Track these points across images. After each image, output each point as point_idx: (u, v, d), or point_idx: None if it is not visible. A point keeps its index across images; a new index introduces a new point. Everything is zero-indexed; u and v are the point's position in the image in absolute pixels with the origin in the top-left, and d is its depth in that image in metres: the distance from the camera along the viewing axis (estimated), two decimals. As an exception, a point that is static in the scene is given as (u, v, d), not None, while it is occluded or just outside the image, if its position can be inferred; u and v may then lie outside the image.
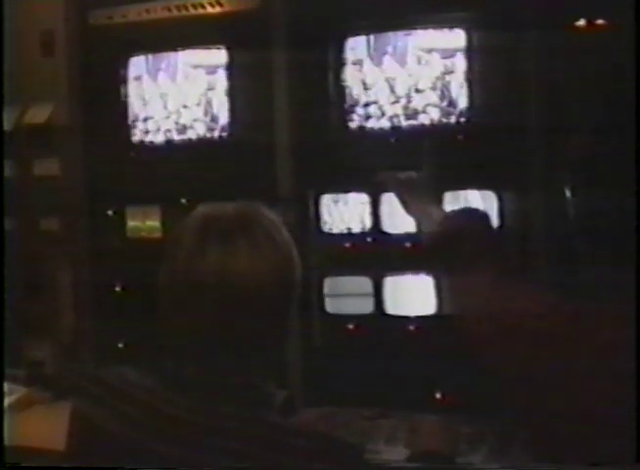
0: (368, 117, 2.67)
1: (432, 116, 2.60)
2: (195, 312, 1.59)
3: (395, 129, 2.64)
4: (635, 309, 1.44)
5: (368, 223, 2.69)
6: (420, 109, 2.60)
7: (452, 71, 2.55)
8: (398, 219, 2.61)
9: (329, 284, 2.73)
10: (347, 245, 2.70)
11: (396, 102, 2.63)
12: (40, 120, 3.00)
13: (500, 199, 2.50)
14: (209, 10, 2.82)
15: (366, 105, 2.68)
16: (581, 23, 2.36)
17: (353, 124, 2.69)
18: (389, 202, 2.60)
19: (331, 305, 2.73)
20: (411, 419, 2.52)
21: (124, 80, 2.96)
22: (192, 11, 2.84)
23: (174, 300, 1.62)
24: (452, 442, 2.32)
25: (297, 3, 2.70)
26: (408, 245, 2.59)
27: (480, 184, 2.53)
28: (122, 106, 2.98)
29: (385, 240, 2.65)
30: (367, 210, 2.68)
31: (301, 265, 1.67)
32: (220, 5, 2.81)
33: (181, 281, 1.59)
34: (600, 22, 2.35)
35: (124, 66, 2.96)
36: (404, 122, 2.63)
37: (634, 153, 1.48)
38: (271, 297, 1.59)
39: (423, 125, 2.61)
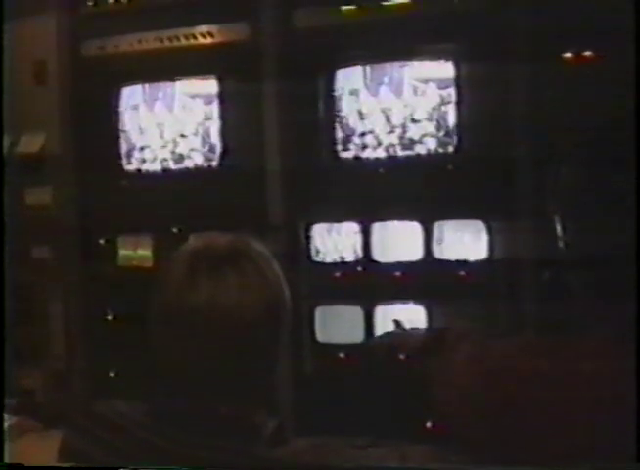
0: (363, 146, 2.69)
1: (428, 146, 2.61)
2: (185, 344, 1.59)
3: (390, 159, 2.66)
4: (635, 323, 1.44)
5: (360, 253, 2.70)
6: (416, 139, 2.62)
7: (449, 102, 2.57)
8: (389, 249, 2.63)
9: (319, 313, 2.73)
10: (338, 274, 2.71)
11: (392, 132, 2.65)
12: (33, 149, 3.02)
13: (490, 229, 2.52)
14: (201, 41, 2.84)
15: (362, 134, 2.69)
16: (570, 54, 2.38)
17: (347, 154, 2.71)
18: (380, 231, 2.62)
19: (322, 335, 2.74)
20: (402, 448, 2.51)
21: (116, 110, 2.98)
22: (184, 42, 2.86)
23: (164, 331, 1.62)
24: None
25: (287, 35, 2.72)
26: (398, 274, 2.60)
27: (471, 214, 2.55)
28: (114, 135, 2.99)
29: (375, 269, 2.66)
30: (359, 239, 2.70)
31: (291, 298, 1.68)
32: (212, 36, 2.83)
33: (171, 313, 1.59)
34: (588, 53, 2.37)
35: (116, 95, 2.97)
36: (399, 153, 2.65)
37: (632, 180, 1.48)
38: (260, 330, 1.59)
39: (418, 156, 2.63)
